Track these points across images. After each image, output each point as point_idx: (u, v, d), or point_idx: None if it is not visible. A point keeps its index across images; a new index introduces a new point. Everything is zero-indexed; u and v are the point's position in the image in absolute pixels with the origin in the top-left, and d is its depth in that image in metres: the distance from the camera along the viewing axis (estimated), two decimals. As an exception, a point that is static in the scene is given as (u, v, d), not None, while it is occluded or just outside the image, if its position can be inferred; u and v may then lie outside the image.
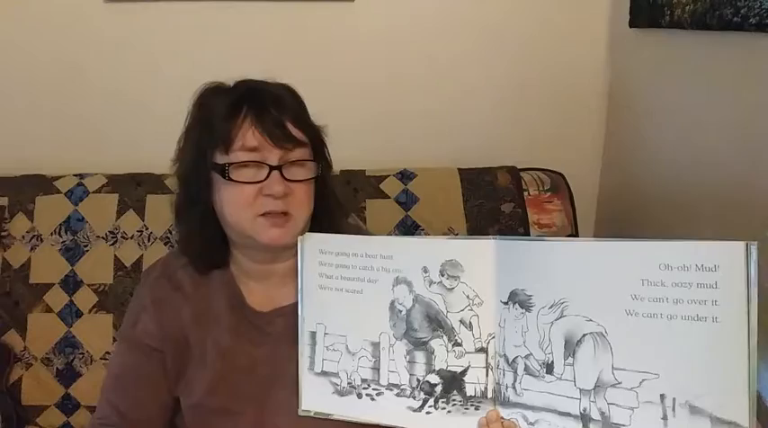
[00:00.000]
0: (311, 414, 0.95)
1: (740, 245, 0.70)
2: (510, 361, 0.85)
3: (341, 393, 0.94)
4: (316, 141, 0.99)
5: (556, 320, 0.81)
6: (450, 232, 1.45)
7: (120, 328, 1.07)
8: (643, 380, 0.76)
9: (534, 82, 1.69)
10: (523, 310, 0.83)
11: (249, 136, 0.93)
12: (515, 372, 0.84)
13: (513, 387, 0.85)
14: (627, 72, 1.65)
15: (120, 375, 1.02)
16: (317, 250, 0.95)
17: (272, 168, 0.92)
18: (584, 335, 0.79)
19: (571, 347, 0.80)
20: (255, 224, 0.93)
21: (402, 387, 0.91)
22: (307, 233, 0.97)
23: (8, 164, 1.55)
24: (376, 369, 0.92)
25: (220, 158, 0.94)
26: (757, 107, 1.17)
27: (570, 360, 0.80)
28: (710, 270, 0.72)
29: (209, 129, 0.95)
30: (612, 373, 0.77)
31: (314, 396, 0.96)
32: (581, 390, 0.80)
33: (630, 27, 1.54)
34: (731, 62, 1.23)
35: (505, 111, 1.71)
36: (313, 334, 0.96)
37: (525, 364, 0.84)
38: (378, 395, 0.92)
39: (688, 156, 1.40)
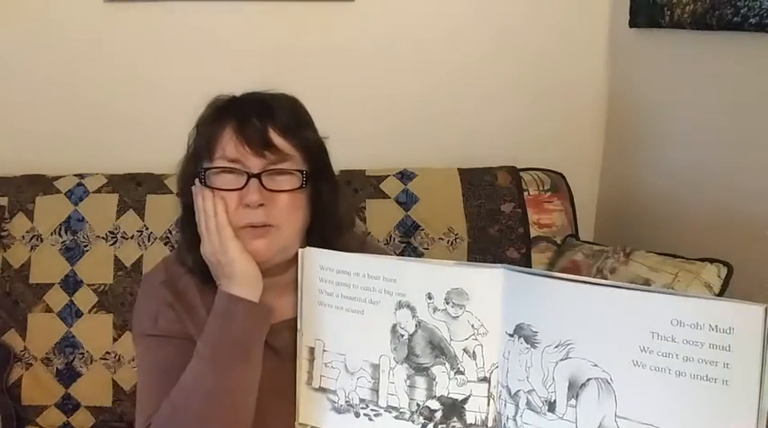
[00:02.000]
0: None
1: (759, 309, 0.67)
2: (512, 393, 0.84)
3: (338, 410, 0.93)
4: (310, 156, 0.95)
5: (560, 360, 0.79)
6: (450, 232, 1.45)
7: (135, 330, 1.02)
8: None
9: (534, 82, 1.69)
10: (528, 346, 0.81)
11: (231, 145, 0.90)
12: (517, 405, 0.83)
13: (515, 420, 0.84)
14: (627, 72, 1.65)
15: (159, 368, 0.96)
16: (318, 266, 0.93)
17: (250, 176, 0.89)
18: (589, 380, 0.77)
19: (575, 389, 0.78)
20: (239, 234, 0.91)
21: (401, 410, 0.90)
22: (308, 247, 0.95)
23: (8, 164, 1.55)
24: (375, 390, 0.91)
25: (204, 165, 0.93)
26: (757, 107, 1.17)
27: (573, 401, 0.78)
28: (725, 331, 0.68)
29: (197, 138, 0.96)
30: (615, 421, 0.76)
31: (311, 411, 0.95)
32: None
33: (630, 27, 1.54)
34: (731, 62, 1.23)
35: (505, 111, 1.71)
36: (311, 350, 0.94)
37: (528, 399, 0.82)
38: (376, 416, 0.91)
39: (688, 155, 1.40)
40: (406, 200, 1.47)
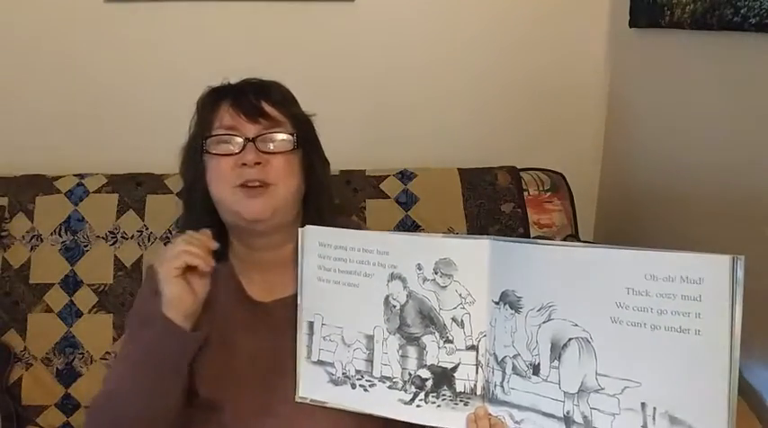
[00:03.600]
0: (307, 401, 0.97)
1: (725, 258, 0.70)
2: (499, 359, 0.86)
3: (335, 382, 0.97)
4: (300, 126, 1.02)
5: (543, 323, 0.81)
6: (450, 232, 1.45)
7: (131, 310, 1.09)
8: (625, 388, 0.76)
9: (534, 82, 1.69)
10: (513, 311, 0.84)
11: (227, 116, 0.99)
12: (504, 371, 0.85)
13: (502, 386, 0.86)
14: (627, 72, 1.65)
15: (137, 356, 0.99)
16: (317, 243, 0.97)
17: (246, 140, 0.96)
18: (570, 340, 0.79)
19: (557, 350, 0.80)
20: (235, 196, 0.96)
21: (394, 379, 0.93)
22: (307, 226, 0.99)
23: (8, 164, 1.55)
24: (369, 361, 0.95)
25: (206, 143, 1.00)
26: (757, 107, 1.17)
27: (556, 363, 0.81)
28: (695, 282, 0.71)
29: (197, 119, 1.03)
30: (596, 379, 0.78)
31: (310, 384, 0.98)
32: (565, 393, 0.80)
33: (630, 27, 1.54)
34: (731, 62, 1.23)
35: (506, 111, 1.71)
36: (311, 324, 0.98)
37: (513, 364, 0.85)
38: (371, 386, 0.95)
39: (688, 155, 1.40)
40: (406, 200, 1.47)
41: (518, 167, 1.54)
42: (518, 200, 1.48)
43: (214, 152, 0.98)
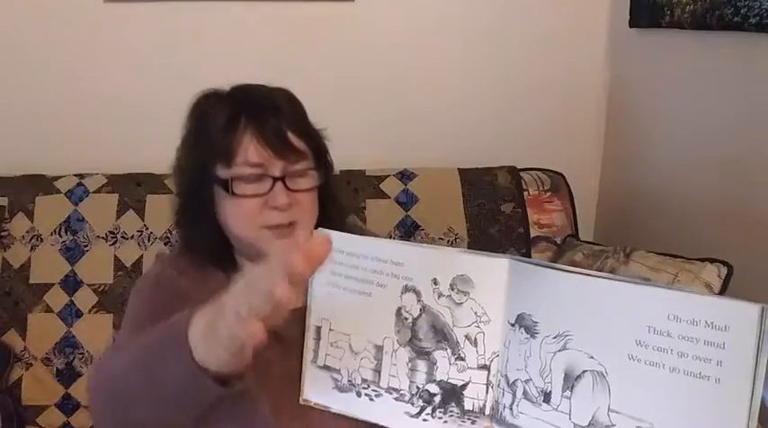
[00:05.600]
0: (311, 404, 0.97)
1: (755, 307, 0.67)
2: (510, 382, 0.85)
3: (341, 389, 0.95)
4: (317, 148, 0.98)
5: (558, 351, 0.79)
6: (450, 232, 1.45)
7: (133, 289, 1.00)
8: (637, 427, 0.75)
9: (534, 82, 1.70)
10: (528, 335, 0.83)
11: (251, 150, 0.91)
12: (514, 394, 0.84)
13: (510, 409, 0.85)
14: (627, 72, 1.65)
15: (153, 311, 0.90)
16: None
17: (275, 180, 0.91)
18: (585, 371, 0.77)
19: (570, 380, 0.79)
20: (260, 235, 0.93)
21: (401, 392, 0.92)
22: (321, 229, 0.98)
23: (8, 164, 1.55)
24: (377, 371, 0.93)
25: (222, 172, 0.93)
26: (757, 106, 1.17)
27: (568, 393, 0.79)
28: (720, 329, 0.69)
29: (209, 142, 0.93)
30: (608, 414, 0.76)
31: (315, 388, 0.96)
32: (575, 425, 0.78)
33: (630, 27, 1.54)
34: (731, 62, 1.23)
35: (505, 111, 1.71)
36: (318, 329, 0.97)
37: (525, 388, 0.83)
38: (377, 396, 0.93)
39: (688, 155, 1.40)
40: (406, 200, 1.47)
41: (518, 167, 1.54)
42: (518, 200, 1.48)
43: (240, 194, 0.91)
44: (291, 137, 0.93)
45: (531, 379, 0.82)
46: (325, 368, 0.95)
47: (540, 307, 0.81)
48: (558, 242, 1.47)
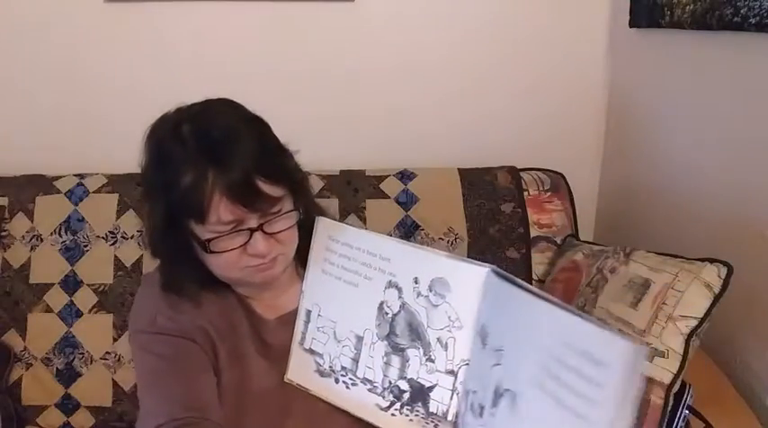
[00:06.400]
0: (294, 384, 0.99)
1: (629, 345, 0.64)
2: (465, 391, 0.85)
3: (322, 373, 0.98)
4: (292, 183, 0.94)
5: (494, 365, 0.79)
6: (450, 232, 1.45)
7: (131, 328, 1.01)
8: None
9: (534, 82, 1.70)
10: (481, 346, 0.83)
11: (222, 208, 0.86)
12: (465, 404, 0.85)
13: (463, 418, 0.85)
14: (627, 72, 1.65)
15: (159, 368, 0.94)
16: (327, 235, 0.98)
17: (252, 231, 0.89)
18: (507, 390, 0.77)
19: (497, 397, 0.78)
20: (243, 275, 0.94)
21: (375, 384, 0.94)
22: (321, 216, 0.99)
23: (8, 164, 1.55)
24: (356, 361, 0.96)
25: (197, 229, 0.90)
26: (757, 106, 1.17)
27: (493, 410, 0.78)
28: (600, 364, 0.65)
29: (178, 197, 0.88)
30: None
31: (299, 369, 0.99)
32: None
33: (630, 27, 1.54)
34: (731, 62, 1.23)
35: (505, 111, 1.71)
36: (308, 313, 1.00)
37: (471, 400, 0.83)
38: (353, 385, 0.96)
39: (688, 155, 1.40)
40: (406, 200, 1.47)
41: (518, 167, 1.54)
42: (518, 200, 1.48)
43: (220, 251, 0.89)
44: (263, 185, 0.87)
45: (476, 391, 0.82)
46: (310, 351, 0.98)
47: (495, 319, 0.81)
48: (558, 242, 1.47)
